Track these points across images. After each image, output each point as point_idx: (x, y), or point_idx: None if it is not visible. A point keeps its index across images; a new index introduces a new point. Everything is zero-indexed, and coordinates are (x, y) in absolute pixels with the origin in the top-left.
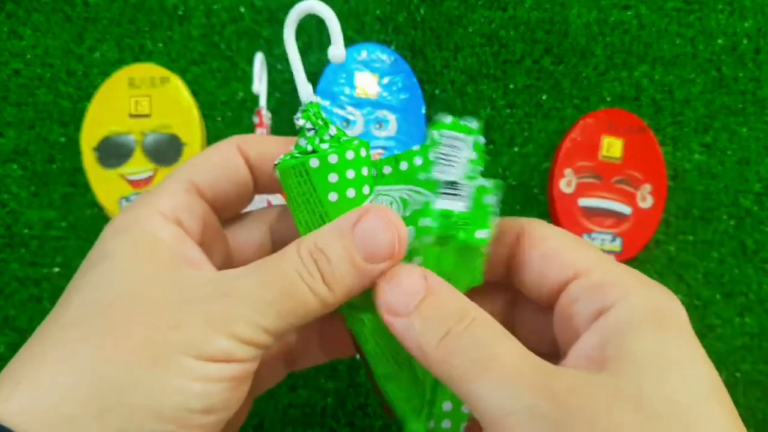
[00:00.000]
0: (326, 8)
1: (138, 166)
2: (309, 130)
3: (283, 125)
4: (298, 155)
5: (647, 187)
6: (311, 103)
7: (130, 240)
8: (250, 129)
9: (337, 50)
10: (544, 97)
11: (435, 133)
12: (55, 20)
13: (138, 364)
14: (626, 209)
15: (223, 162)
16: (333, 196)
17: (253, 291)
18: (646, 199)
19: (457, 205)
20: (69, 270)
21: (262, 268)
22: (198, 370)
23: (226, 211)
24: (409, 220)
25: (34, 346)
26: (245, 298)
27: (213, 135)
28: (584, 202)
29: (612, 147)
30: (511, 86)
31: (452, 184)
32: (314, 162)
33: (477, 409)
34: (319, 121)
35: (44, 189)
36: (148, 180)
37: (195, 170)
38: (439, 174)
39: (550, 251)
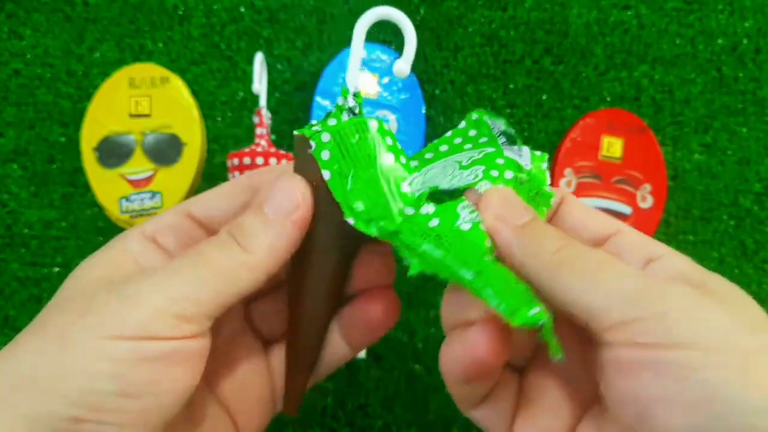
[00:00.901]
0: (407, 20)
1: (138, 165)
2: (350, 110)
3: (283, 125)
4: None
5: (647, 187)
6: (358, 92)
7: (100, 252)
8: (250, 129)
9: (405, 65)
10: (544, 97)
11: (475, 115)
12: (55, 20)
13: (48, 351)
14: (626, 209)
15: (223, 191)
16: (388, 157)
17: (171, 268)
18: (646, 199)
19: (523, 161)
20: (69, 270)
21: (185, 253)
22: (106, 349)
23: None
24: (480, 162)
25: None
26: (160, 274)
27: (213, 135)
28: (584, 201)
29: (612, 147)
30: (511, 86)
31: (514, 143)
32: (373, 123)
33: (587, 309)
34: (357, 109)
35: (44, 189)
36: (148, 180)
37: (194, 199)
38: (501, 140)
39: (593, 212)
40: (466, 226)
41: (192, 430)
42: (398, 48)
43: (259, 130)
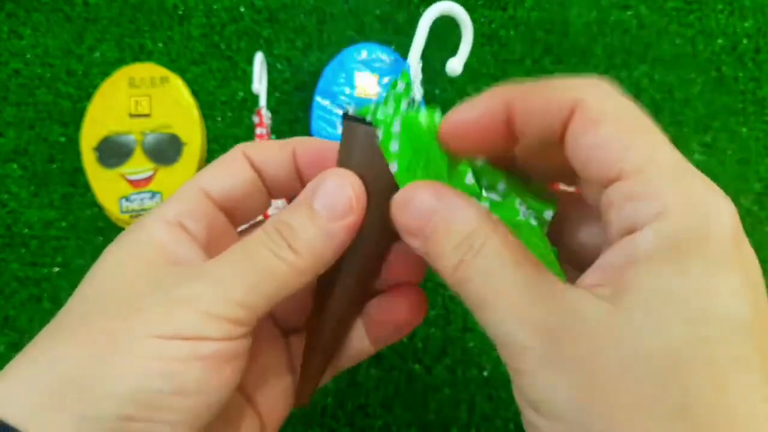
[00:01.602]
0: (467, 16)
1: (138, 165)
2: (412, 100)
3: (283, 125)
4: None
5: None
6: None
7: (124, 243)
8: (250, 129)
9: (459, 63)
10: None
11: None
12: (55, 20)
13: (95, 352)
14: None
15: (230, 168)
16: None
17: (220, 269)
18: None
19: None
20: (69, 270)
21: (231, 250)
22: (157, 349)
23: (242, 215)
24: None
25: (27, 348)
26: (211, 276)
27: (213, 135)
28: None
29: None
30: None
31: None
32: (437, 114)
33: (488, 334)
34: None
35: (44, 189)
36: (148, 180)
37: (205, 178)
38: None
39: (597, 143)
40: (533, 222)
41: (223, 425)
42: (398, 48)
43: (259, 130)
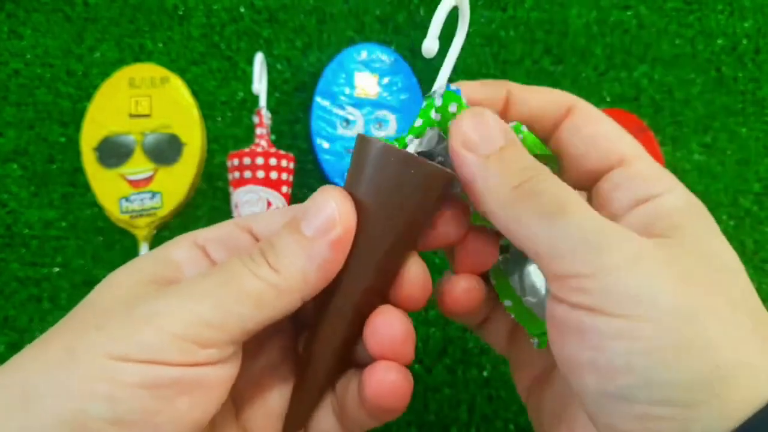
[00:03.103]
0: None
1: (138, 166)
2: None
3: (283, 125)
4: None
5: None
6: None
7: (143, 257)
8: (250, 129)
9: (434, 42)
10: None
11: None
12: (55, 20)
13: (50, 366)
14: None
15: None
16: None
17: (191, 286)
18: None
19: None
20: (69, 270)
21: (210, 269)
22: (107, 370)
23: None
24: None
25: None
26: (180, 293)
27: (213, 135)
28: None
29: None
30: None
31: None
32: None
33: (544, 244)
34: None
35: (44, 189)
36: (148, 180)
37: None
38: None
39: (599, 134)
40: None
41: None
42: (398, 48)
43: (259, 130)
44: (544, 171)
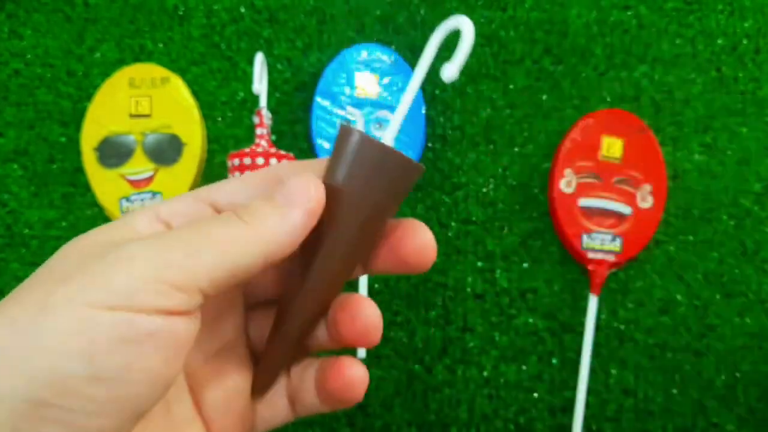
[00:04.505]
0: (470, 26)
1: (138, 166)
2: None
3: (283, 125)
4: None
5: (647, 187)
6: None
7: (105, 227)
8: (251, 129)
9: (454, 68)
10: (544, 98)
11: None
12: (55, 20)
13: (21, 322)
14: (626, 209)
15: (245, 181)
16: None
17: (166, 236)
18: (646, 199)
19: None
20: None
21: (184, 223)
22: (84, 322)
23: None
24: None
25: None
26: (156, 241)
27: (213, 135)
28: (584, 202)
29: (612, 147)
30: (511, 86)
31: None
32: None
33: None
34: None
35: (44, 189)
36: (148, 180)
37: (214, 187)
38: None
39: None
40: None
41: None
42: (398, 48)
43: (259, 131)
44: None
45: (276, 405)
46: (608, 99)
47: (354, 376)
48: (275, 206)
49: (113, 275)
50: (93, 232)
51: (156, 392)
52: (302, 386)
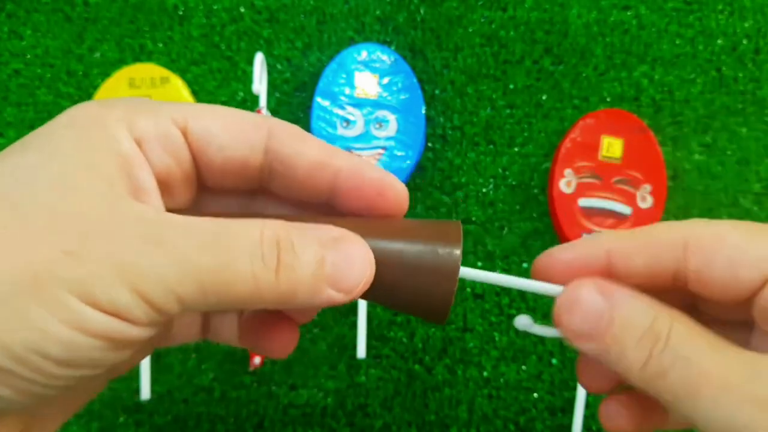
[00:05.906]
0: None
1: None
2: None
3: None
4: None
5: (647, 187)
6: None
7: (82, 137)
8: None
9: (529, 320)
10: (544, 97)
11: None
12: (55, 20)
13: (12, 284)
14: (626, 209)
15: (227, 122)
16: None
17: (185, 251)
18: (646, 199)
19: None
20: None
21: (211, 230)
22: (76, 314)
23: (214, 177)
24: None
25: None
26: (172, 255)
27: None
28: (584, 202)
29: (612, 147)
30: (511, 86)
31: None
32: None
33: (698, 426)
34: None
35: None
36: None
37: (194, 113)
38: None
39: (736, 252)
40: None
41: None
42: (398, 48)
43: None
44: (663, 329)
45: (227, 329)
46: (608, 99)
47: (287, 342)
48: (318, 279)
49: (117, 284)
50: (89, 160)
51: (101, 386)
52: (248, 329)
